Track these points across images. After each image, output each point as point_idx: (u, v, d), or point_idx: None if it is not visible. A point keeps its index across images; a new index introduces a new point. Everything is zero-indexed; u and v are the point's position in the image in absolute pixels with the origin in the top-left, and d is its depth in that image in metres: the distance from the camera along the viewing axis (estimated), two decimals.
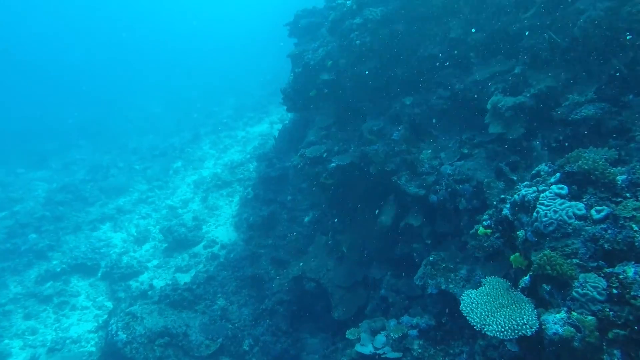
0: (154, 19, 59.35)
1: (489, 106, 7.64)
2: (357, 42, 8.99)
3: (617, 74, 6.95)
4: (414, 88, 9.51)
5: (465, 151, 8.10)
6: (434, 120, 9.13)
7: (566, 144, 6.89)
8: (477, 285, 6.94)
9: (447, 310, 7.50)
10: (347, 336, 8.02)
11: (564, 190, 4.48)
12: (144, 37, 53.98)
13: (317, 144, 10.24)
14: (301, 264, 11.77)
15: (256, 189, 16.06)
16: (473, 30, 8.33)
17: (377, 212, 9.53)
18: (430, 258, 7.77)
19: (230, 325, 12.23)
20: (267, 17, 35.38)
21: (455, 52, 8.72)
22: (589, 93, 6.17)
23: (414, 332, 7.41)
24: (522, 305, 4.06)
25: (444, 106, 8.93)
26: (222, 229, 18.89)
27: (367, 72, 9.78)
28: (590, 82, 7.19)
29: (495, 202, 5.51)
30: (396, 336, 7.33)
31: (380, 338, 7.54)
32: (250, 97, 31.85)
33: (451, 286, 7.23)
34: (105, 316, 14.30)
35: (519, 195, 4.87)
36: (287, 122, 18.76)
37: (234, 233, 18.30)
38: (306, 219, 13.84)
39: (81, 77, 44.11)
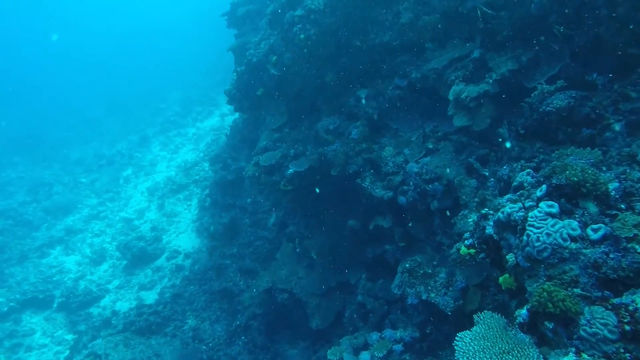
0: (83, 16, 54.81)
1: (450, 97, 7.05)
2: (301, 36, 8.10)
3: (578, 51, 6.53)
4: (368, 79, 8.78)
5: (430, 146, 7.52)
6: (392, 113, 8.48)
7: (535, 131, 6.45)
8: (461, 295, 6.52)
9: (430, 319, 7.07)
10: (328, 357, 7.47)
11: (555, 208, 3.95)
12: (75, 35, 49.86)
13: (271, 149, 9.40)
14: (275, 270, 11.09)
15: (213, 194, 15.06)
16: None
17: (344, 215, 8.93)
18: (407, 265, 7.25)
19: (204, 347, 11.48)
20: (206, 3, 33.27)
21: (408, 37, 8.01)
22: (558, 83, 5.64)
23: (399, 347, 6.93)
24: (525, 351, 3.54)
25: (401, 97, 8.28)
26: (183, 236, 17.86)
27: (315, 66, 8.95)
28: (552, 62, 6.73)
29: (476, 218, 4.95)
30: (381, 354, 6.83)
31: (365, 357, 7.02)
32: (196, 88, 30.14)
33: (432, 295, 6.75)
34: (67, 352, 13.18)
35: (503, 213, 4.32)
36: (237, 115, 17.68)
37: (197, 239, 17.33)
38: (270, 221, 13.08)
39: (6, 83, 40.32)
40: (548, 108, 5.53)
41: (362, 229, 8.79)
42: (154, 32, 47.03)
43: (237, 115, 18.00)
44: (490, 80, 6.89)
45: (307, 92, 9.50)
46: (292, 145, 9.33)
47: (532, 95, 5.88)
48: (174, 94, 30.41)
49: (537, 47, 6.80)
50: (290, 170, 8.84)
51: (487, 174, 6.66)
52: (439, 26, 7.73)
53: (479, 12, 7.17)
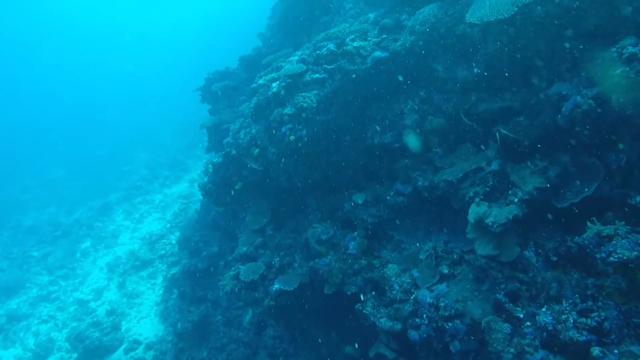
0: (48, 72, 52.44)
1: (471, 219, 5.79)
2: (292, 137, 6.79)
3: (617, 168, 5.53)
4: (365, 180, 7.51)
5: (445, 271, 6.17)
6: (393, 221, 7.16)
7: (570, 259, 5.26)
8: None
9: None
10: None
11: None
12: (40, 92, 47.32)
13: (252, 258, 7.81)
14: None
15: (181, 284, 13.05)
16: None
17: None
18: None
19: None
20: (176, 64, 32.20)
21: (412, 140, 6.85)
22: (618, 225, 4.48)
23: None
24: None
25: (404, 204, 7.00)
26: (145, 322, 15.49)
27: (304, 164, 7.60)
28: (585, 179, 5.68)
29: None
30: None
31: None
32: (164, 150, 28.35)
33: None
34: None
35: None
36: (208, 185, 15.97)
37: (160, 325, 15.03)
38: (246, 319, 11.21)
39: None
40: (611, 258, 4.31)
41: (360, 357, 7.17)
42: (121, 89, 45.30)
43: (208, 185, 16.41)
44: (516, 199, 5.73)
45: (293, 189, 8.10)
46: (276, 252, 7.78)
47: (584, 237, 4.69)
48: (140, 156, 28.40)
49: (564, 160, 5.77)
50: (276, 287, 7.23)
51: (521, 315, 5.32)
52: (448, 129, 6.64)
53: (497, 135, 6.15)
